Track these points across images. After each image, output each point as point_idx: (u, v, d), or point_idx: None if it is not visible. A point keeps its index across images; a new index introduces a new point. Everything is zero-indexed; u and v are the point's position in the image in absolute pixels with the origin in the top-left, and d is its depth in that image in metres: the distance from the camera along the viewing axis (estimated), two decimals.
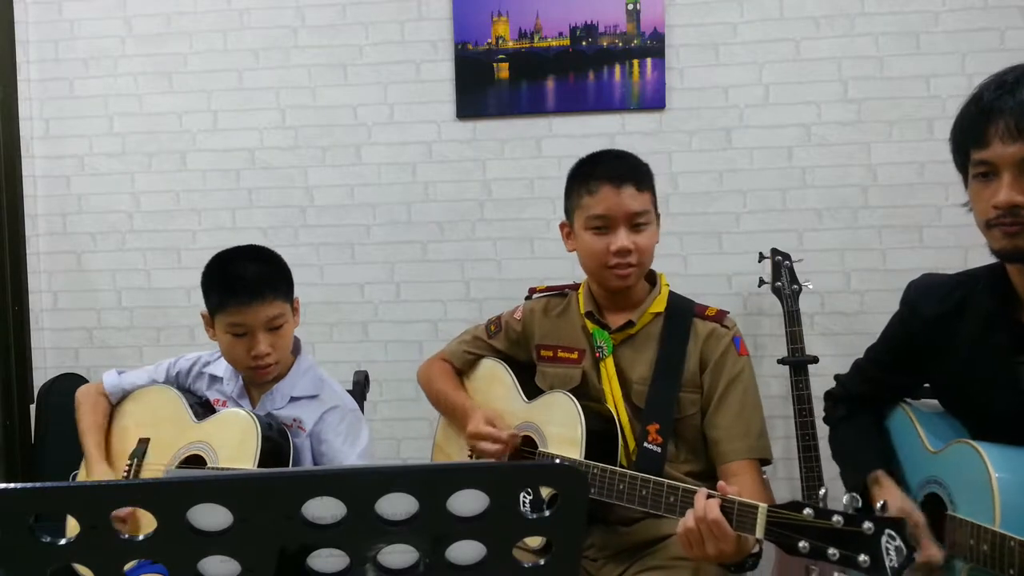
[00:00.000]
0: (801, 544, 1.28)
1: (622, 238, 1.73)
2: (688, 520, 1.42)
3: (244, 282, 1.82)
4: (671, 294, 1.85)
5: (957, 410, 1.52)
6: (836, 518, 1.26)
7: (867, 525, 1.23)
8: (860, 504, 1.26)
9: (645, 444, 1.71)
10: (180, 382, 2.02)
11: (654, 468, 1.66)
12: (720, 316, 1.81)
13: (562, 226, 1.89)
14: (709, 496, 1.42)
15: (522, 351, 1.97)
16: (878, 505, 1.29)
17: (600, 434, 1.71)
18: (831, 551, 1.25)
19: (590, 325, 1.83)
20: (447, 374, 2.02)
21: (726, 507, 1.40)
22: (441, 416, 2.04)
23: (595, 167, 1.80)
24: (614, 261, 1.74)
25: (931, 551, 1.38)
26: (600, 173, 1.77)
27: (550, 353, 1.90)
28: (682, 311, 1.81)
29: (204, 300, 1.89)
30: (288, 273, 1.90)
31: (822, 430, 1.99)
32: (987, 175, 1.32)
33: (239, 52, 3.09)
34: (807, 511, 1.29)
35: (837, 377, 1.76)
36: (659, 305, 1.81)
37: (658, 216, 1.83)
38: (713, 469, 1.75)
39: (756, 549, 1.46)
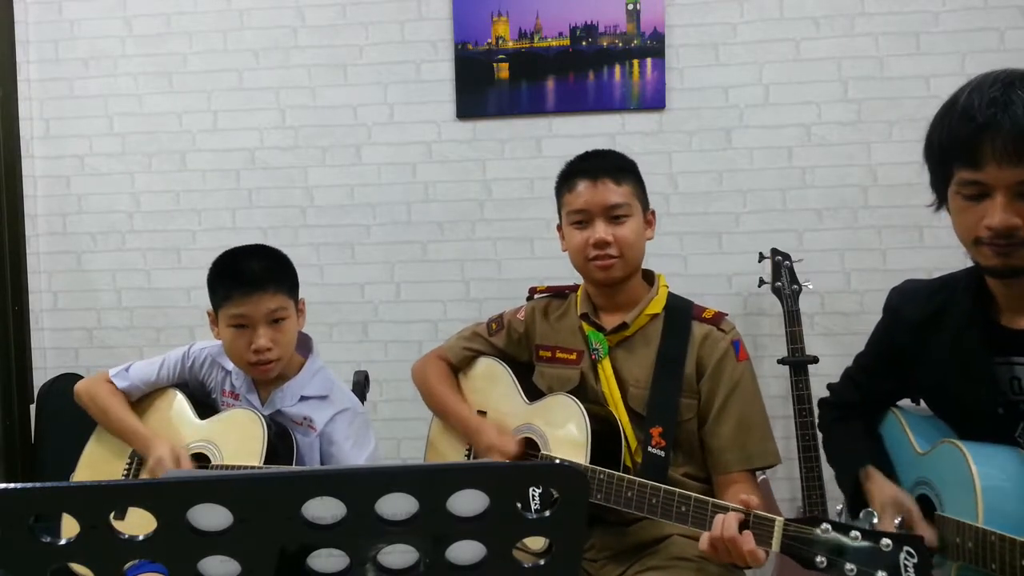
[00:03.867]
0: (818, 559, 1.28)
1: (599, 230, 1.75)
2: (703, 542, 1.44)
3: (248, 274, 1.84)
4: (670, 295, 1.84)
5: (942, 412, 1.53)
6: (854, 533, 1.25)
7: (885, 541, 1.22)
8: (876, 520, 1.26)
9: (649, 448, 1.71)
10: (195, 371, 2.01)
11: (659, 472, 1.66)
12: (717, 319, 1.79)
13: (557, 228, 1.91)
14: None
15: (523, 351, 1.96)
16: (896, 522, 1.29)
17: (604, 437, 1.71)
18: (848, 566, 1.25)
19: (585, 327, 1.83)
20: (444, 376, 2.01)
21: (743, 520, 1.40)
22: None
23: (577, 165, 1.85)
24: (593, 253, 1.76)
25: (927, 534, 1.39)
26: (579, 170, 1.82)
27: (548, 354, 1.90)
28: (680, 313, 1.81)
29: (209, 296, 1.90)
30: (293, 271, 1.92)
31: None
32: (977, 195, 1.29)
33: (239, 52, 3.09)
34: (824, 525, 1.29)
35: (830, 386, 1.76)
36: (656, 306, 1.81)
37: (649, 211, 1.84)
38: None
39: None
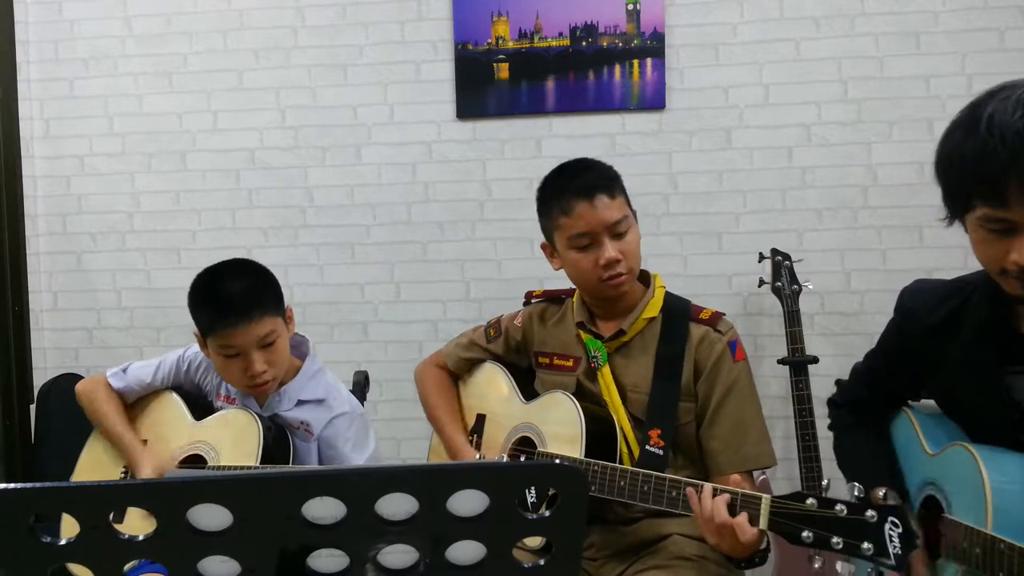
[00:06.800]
0: (805, 534, 1.29)
1: (608, 250, 1.70)
2: (697, 520, 1.44)
3: (231, 303, 1.76)
4: (667, 296, 1.82)
5: (953, 415, 1.52)
6: (839, 507, 1.26)
7: (870, 513, 1.23)
8: (863, 493, 1.26)
9: (647, 447, 1.71)
10: (190, 375, 2.00)
11: (656, 471, 1.65)
12: (714, 319, 1.77)
13: (543, 247, 1.86)
14: (716, 493, 1.43)
15: (522, 358, 1.95)
16: (881, 493, 1.29)
17: (600, 435, 1.71)
18: (835, 540, 1.26)
19: (583, 335, 1.81)
20: (441, 387, 2.00)
21: (731, 499, 1.40)
22: None
23: (564, 185, 1.77)
24: (606, 275, 1.71)
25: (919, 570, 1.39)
26: (571, 190, 1.74)
27: (547, 360, 1.88)
28: (678, 314, 1.79)
29: (193, 322, 1.85)
30: (276, 285, 1.86)
31: (822, 430, 1.99)
32: (1003, 231, 1.22)
33: (239, 52, 3.09)
34: (810, 501, 1.29)
35: (839, 382, 1.75)
36: (653, 309, 1.78)
37: (634, 213, 1.80)
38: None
39: (764, 545, 1.46)
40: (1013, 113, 1.16)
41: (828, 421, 1.76)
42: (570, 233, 1.74)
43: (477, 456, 1.85)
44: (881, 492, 1.29)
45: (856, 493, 1.26)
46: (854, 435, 1.66)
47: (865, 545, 1.23)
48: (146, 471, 1.83)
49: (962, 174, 1.23)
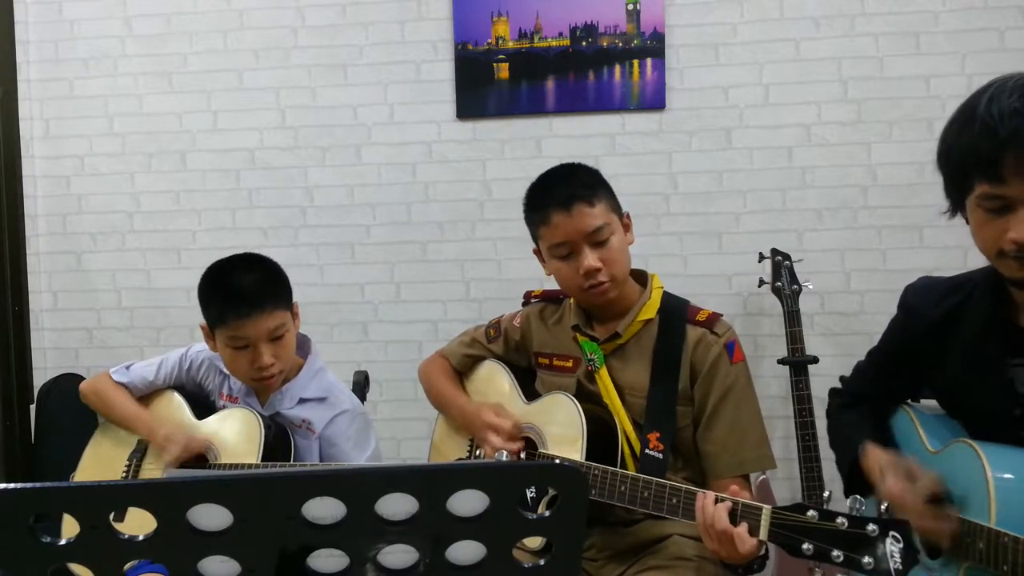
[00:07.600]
0: (805, 546, 1.28)
1: (588, 259, 1.70)
2: (698, 527, 1.44)
3: (242, 295, 1.77)
4: (665, 296, 1.80)
5: (955, 413, 1.52)
6: (840, 520, 1.26)
7: (871, 527, 1.23)
8: (864, 507, 1.26)
9: (647, 451, 1.70)
10: (192, 374, 2.00)
11: (657, 474, 1.65)
12: (711, 321, 1.76)
13: (535, 252, 1.86)
14: (717, 500, 1.42)
15: (522, 358, 1.95)
16: (882, 507, 1.29)
17: (601, 437, 1.70)
18: (835, 553, 1.25)
19: (579, 337, 1.81)
20: (447, 372, 2.01)
21: (731, 509, 1.40)
22: (439, 416, 2.03)
23: (543, 194, 1.77)
24: (587, 283, 1.71)
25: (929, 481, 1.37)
26: (548, 201, 1.74)
27: (547, 361, 1.88)
28: (675, 316, 1.78)
29: (202, 313, 1.85)
30: (286, 280, 1.87)
31: (822, 430, 1.99)
32: (1000, 209, 1.26)
33: (239, 52, 3.09)
34: (811, 513, 1.29)
35: (842, 379, 1.75)
36: (649, 311, 1.77)
37: (623, 216, 1.79)
38: None
39: (763, 552, 1.46)
40: (1010, 96, 1.23)
41: (827, 415, 1.76)
42: (550, 243, 1.75)
43: (493, 414, 1.83)
44: (883, 506, 1.29)
45: (857, 506, 1.26)
46: (846, 412, 1.67)
47: (866, 559, 1.22)
48: (167, 428, 1.85)
49: (961, 155, 1.29)
